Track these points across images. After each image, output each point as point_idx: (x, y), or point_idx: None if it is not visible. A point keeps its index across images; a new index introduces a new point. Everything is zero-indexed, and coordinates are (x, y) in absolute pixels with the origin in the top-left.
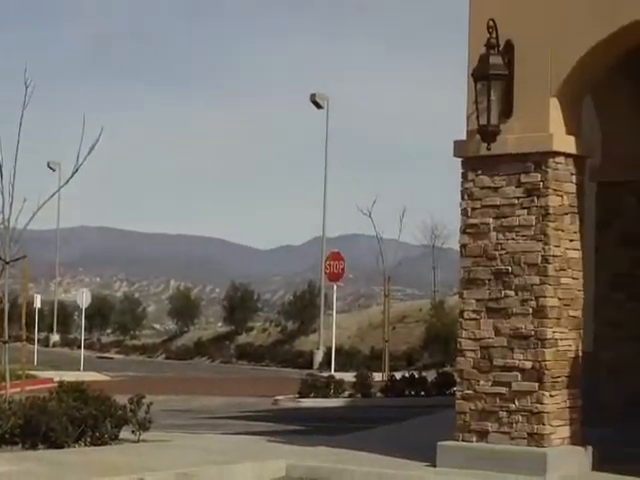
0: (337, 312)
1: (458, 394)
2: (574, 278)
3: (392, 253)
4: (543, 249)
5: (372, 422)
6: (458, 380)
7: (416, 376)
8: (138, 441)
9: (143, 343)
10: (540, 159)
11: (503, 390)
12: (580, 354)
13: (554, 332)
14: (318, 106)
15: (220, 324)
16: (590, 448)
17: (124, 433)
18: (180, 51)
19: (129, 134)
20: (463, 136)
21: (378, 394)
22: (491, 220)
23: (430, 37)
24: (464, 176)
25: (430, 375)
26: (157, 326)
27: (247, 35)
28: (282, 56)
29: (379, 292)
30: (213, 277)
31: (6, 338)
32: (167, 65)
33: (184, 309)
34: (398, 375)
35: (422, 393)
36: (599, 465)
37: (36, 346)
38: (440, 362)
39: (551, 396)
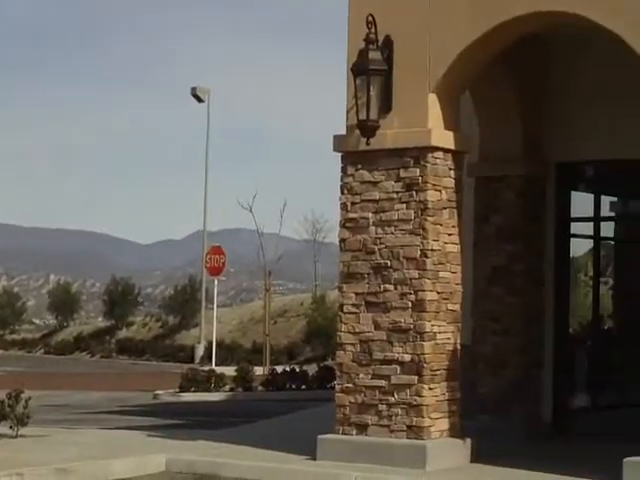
0: (219, 306)
1: (338, 387)
2: (452, 272)
3: (273, 247)
4: (422, 243)
5: (253, 416)
6: (338, 374)
7: (297, 370)
8: (16, 436)
9: (23, 338)
10: (419, 154)
11: (382, 383)
12: (459, 347)
13: (433, 326)
14: (199, 100)
15: (100, 319)
16: (469, 440)
17: (2, 429)
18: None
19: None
20: (345, 131)
21: (259, 388)
22: (370, 214)
23: (317, 31)
24: (344, 170)
25: (311, 369)
26: (37, 321)
27: (125, 27)
28: (163, 49)
29: (261, 286)
30: (93, 271)
31: None
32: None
33: (64, 303)
34: (279, 369)
35: (303, 387)
36: (477, 457)
37: None
38: (321, 356)
39: (430, 389)
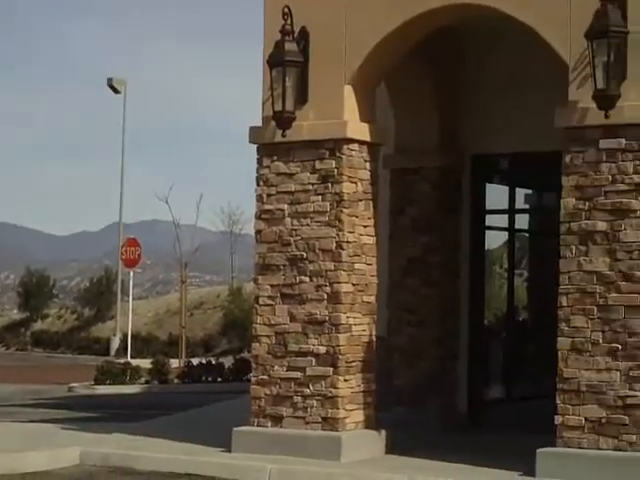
0: (135, 298)
1: (253, 379)
2: (368, 264)
3: (190, 239)
4: (337, 235)
5: (168, 409)
6: (253, 366)
7: (213, 362)
8: None
9: None
10: (334, 146)
11: (298, 375)
12: (374, 339)
13: (348, 317)
14: (115, 91)
15: (15, 311)
16: (384, 432)
17: None
18: None
19: None
20: (261, 122)
21: (175, 380)
22: (286, 206)
23: (236, 24)
24: (259, 162)
25: (227, 361)
26: None
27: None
28: (81, 41)
29: (177, 278)
30: (8, 263)
31: None
32: None
33: None
34: (195, 361)
35: (219, 379)
36: (393, 448)
37: None
38: (238, 348)
39: (345, 380)
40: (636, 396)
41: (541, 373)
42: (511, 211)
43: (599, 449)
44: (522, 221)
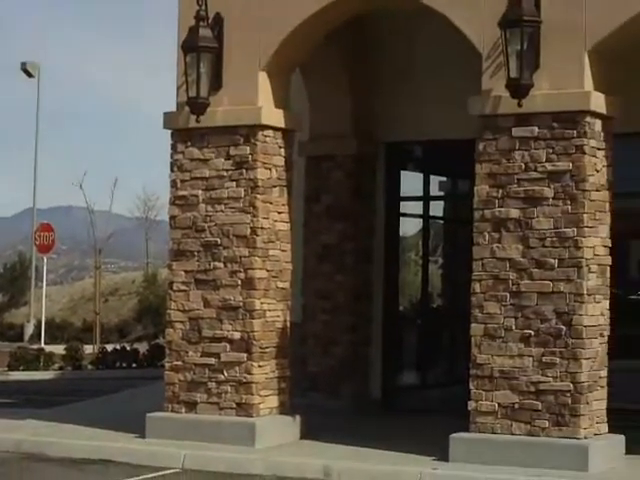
0: (49, 284)
1: (167, 365)
2: (282, 250)
3: (105, 225)
4: (252, 221)
5: (82, 395)
6: (167, 352)
7: (128, 348)
8: None
9: None
10: (249, 132)
11: (212, 361)
12: (288, 325)
13: (262, 303)
14: (29, 75)
15: None
16: (298, 417)
17: None
18: None
19: None
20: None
21: (89, 366)
22: (200, 192)
23: (152, 9)
24: (174, 148)
25: (142, 347)
26: None
27: None
28: None
29: (92, 264)
30: None
31: None
32: None
33: None
34: (110, 347)
35: (134, 365)
36: (307, 434)
37: None
38: (153, 334)
39: (259, 366)
40: (548, 382)
41: (455, 359)
42: (425, 198)
43: (512, 434)
44: (437, 208)
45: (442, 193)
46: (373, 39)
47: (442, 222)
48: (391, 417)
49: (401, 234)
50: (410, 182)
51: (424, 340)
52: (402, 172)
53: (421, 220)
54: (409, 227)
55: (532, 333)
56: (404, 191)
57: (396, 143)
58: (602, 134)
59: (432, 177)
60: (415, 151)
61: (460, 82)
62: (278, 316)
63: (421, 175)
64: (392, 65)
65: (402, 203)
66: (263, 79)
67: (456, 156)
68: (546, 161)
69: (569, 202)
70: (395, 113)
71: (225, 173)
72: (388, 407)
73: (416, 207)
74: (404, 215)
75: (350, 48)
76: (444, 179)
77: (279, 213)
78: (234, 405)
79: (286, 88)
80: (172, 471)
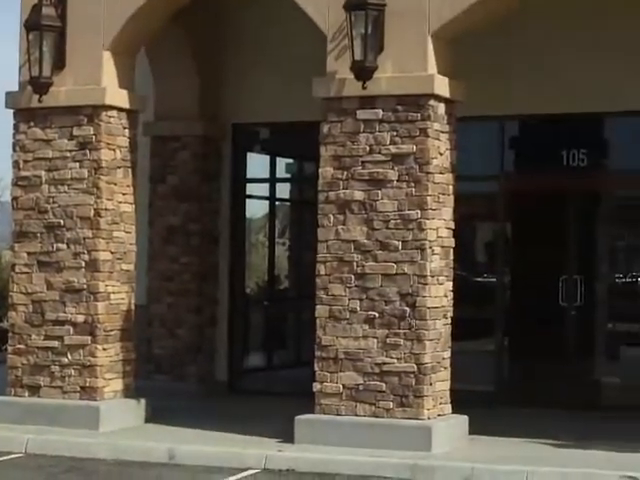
0: None
1: (10, 349)
2: (127, 232)
3: None
4: (95, 202)
5: None
6: (10, 335)
7: None
8: None
9: None
10: (93, 112)
11: (55, 344)
12: (133, 307)
13: (107, 286)
14: None
15: None
16: (143, 400)
17: None
18: None
19: None
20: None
21: None
22: (43, 173)
23: None
24: (16, 128)
25: None
26: None
27: None
28: None
29: None
30: None
31: None
32: None
33: None
34: None
35: None
36: (152, 417)
37: None
38: None
39: (104, 349)
40: (392, 363)
41: (302, 341)
42: (272, 180)
43: (356, 415)
44: (284, 190)
45: (289, 175)
46: (220, 18)
47: (289, 204)
48: (237, 399)
49: (249, 216)
50: (257, 164)
51: (270, 322)
52: (249, 154)
53: (268, 202)
54: (257, 209)
55: (376, 315)
56: (250, 173)
57: (243, 125)
58: (446, 117)
59: (279, 159)
60: (262, 133)
61: (307, 63)
62: (122, 298)
63: (268, 157)
64: (239, 46)
65: (249, 185)
66: (107, 59)
67: (302, 138)
68: (390, 144)
69: (413, 184)
70: (242, 94)
71: (68, 154)
72: (234, 389)
73: (263, 189)
74: (250, 197)
75: (196, 28)
76: (291, 161)
77: (123, 194)
78: (78, 389)
79: (131, 68)
80: (15, 456)
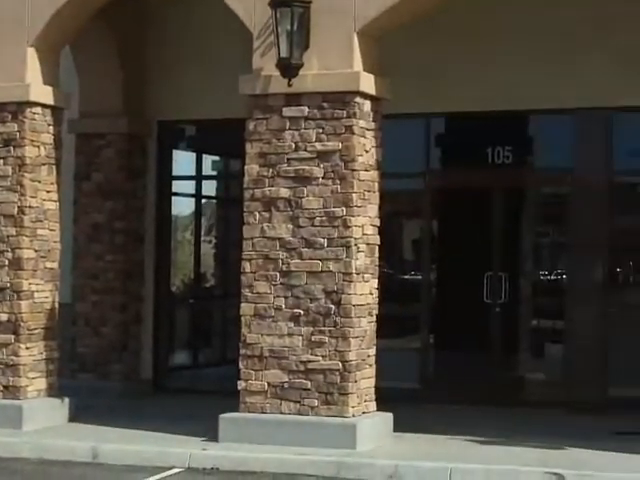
0: None
1: None
2: (51, 230)
3: None
4: (19, 200)
5: None
6: None
7: None
8: None
9: None
10: (17, 109)
11: None
12: (57, 306)
13: (30, 284)
14: None
15: None
16: (67, 399)
17: None
18: None
19: None
20: None
21: None
22: None
23: None
24: None
25: None
26: None
27: None
28: None
29: None
30: None
31: None
32: None
33: None
34: None
35: None
36: (76, 416)
37: None
38: None
39: (27, 348)
40: (317, 361)
41: (227, 340)
42: (198, 178)
43: (282, 413)
44: (210, 188)
45: (215, 173)
46: (145, 14)
47: (215, 202)
48: (162, 398)
49: (175, 214)
50: (182, 161)
51: (196, 320)
52: (174, 151)
53: (194, 199)
54: (184, 207)
55: (302, 312)
56: (176, 170)
57: (168, 122)
58: (371, 115)
59: (205, 156)
60: (187, 130)
61: (234, 60)
62: (46, 297)
63: (194, 154)
64: (164, 42)
65: (174, 182)
66: (31, 55)
67: (228, 135)
68: (316, 141)
69: (338, 182)
70: (167, 91)
71: None
72: (159, 387)
73: (189, 187)
74: (176, 194)
75: (121, 24)
76: (217, 158)
77: (48, 192)
78: (1, 388)
79: (55, 64)
80: None
